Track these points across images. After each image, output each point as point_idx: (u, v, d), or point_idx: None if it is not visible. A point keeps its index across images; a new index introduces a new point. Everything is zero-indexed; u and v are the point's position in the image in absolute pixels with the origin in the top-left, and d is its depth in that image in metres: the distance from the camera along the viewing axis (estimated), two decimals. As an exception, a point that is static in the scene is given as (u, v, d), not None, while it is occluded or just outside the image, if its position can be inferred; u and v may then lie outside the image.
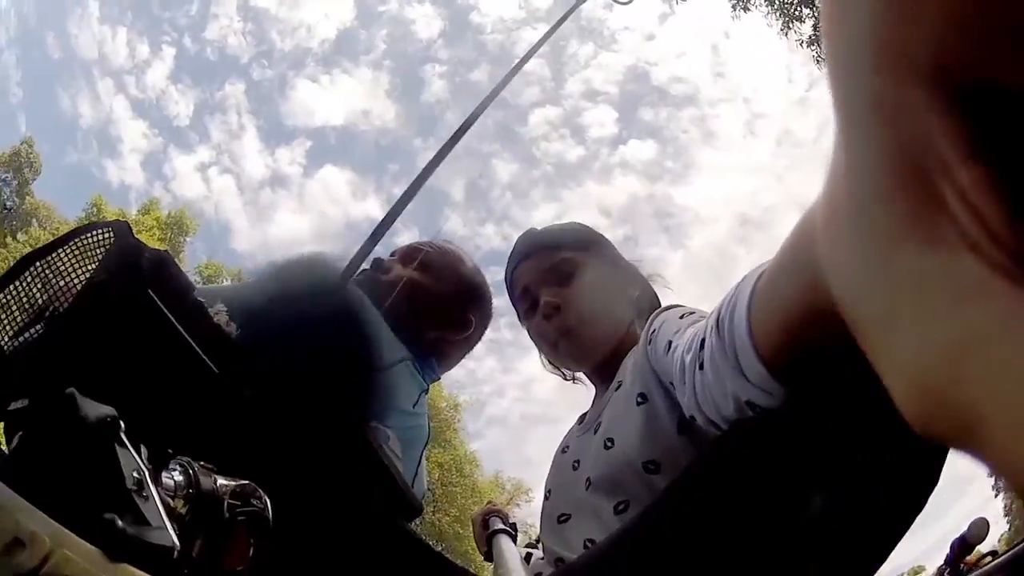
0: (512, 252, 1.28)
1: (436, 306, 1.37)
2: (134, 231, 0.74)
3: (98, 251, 0.70)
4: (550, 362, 1.34)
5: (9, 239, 20.25)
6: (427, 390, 1.36)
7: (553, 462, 1.23)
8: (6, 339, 0.66)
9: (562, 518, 1.07)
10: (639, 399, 1.00)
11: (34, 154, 22.21)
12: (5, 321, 0.66)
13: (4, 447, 0.50)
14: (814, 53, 10.08)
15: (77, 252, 0.68)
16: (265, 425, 0.75)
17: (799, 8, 9.96)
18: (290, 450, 0.75)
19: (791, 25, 10.18)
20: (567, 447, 1.21)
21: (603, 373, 1.20)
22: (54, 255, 0.67)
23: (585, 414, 1.26)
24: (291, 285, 1.07)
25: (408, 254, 1.41)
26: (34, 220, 21.46)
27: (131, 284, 0.65)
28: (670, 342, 0.89)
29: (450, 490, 21.55)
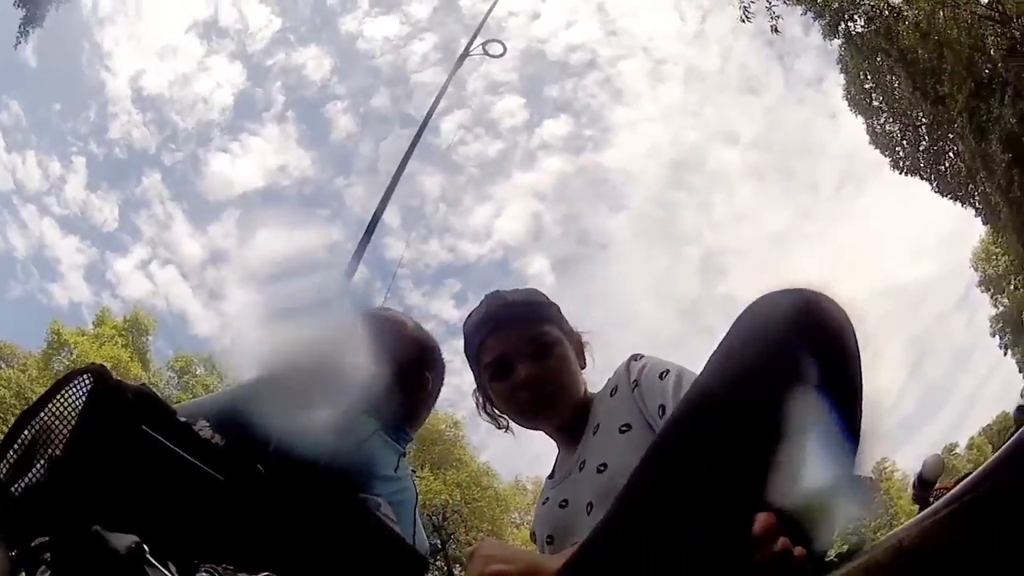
0: (482, 317, 1.34)
1: (392, 376, 1.38)
2: (108, 369, 0.80)
3: (82, 397, 0.75)
4: (488, 414, 1.43)
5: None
6: (404, 453, 1.42)
7: (538, 518, 1.33)
8: (14, 486, 0.72)
9: (574, 546, 1.16)
10: (623, 428, 1.17)
11: (-20, 298, 21.69)
12: (11, 473, 0.72)
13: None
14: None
15: (66, 402, 0.74)
16: (273, 518, 0.81)
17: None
18: (298, 536, 0.82)
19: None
20: (547, 499, 1.32)
21: (567, 429, 1.31)
22: (46, 410, 0.73)
23: (553, 472, 1.37)
24: (262, 387, 1.13)
25: (351, 333, 1.46)
26: (1, 362, 20.93)
27: (123, 423, 0.71)
28: (662, 406, 1.12)
29: (475, 505, 21.31)
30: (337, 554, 0.87)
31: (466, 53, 4.82)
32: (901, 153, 13.33)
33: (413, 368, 1.48)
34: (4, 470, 0.72)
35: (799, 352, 0.70)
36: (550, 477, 1.38)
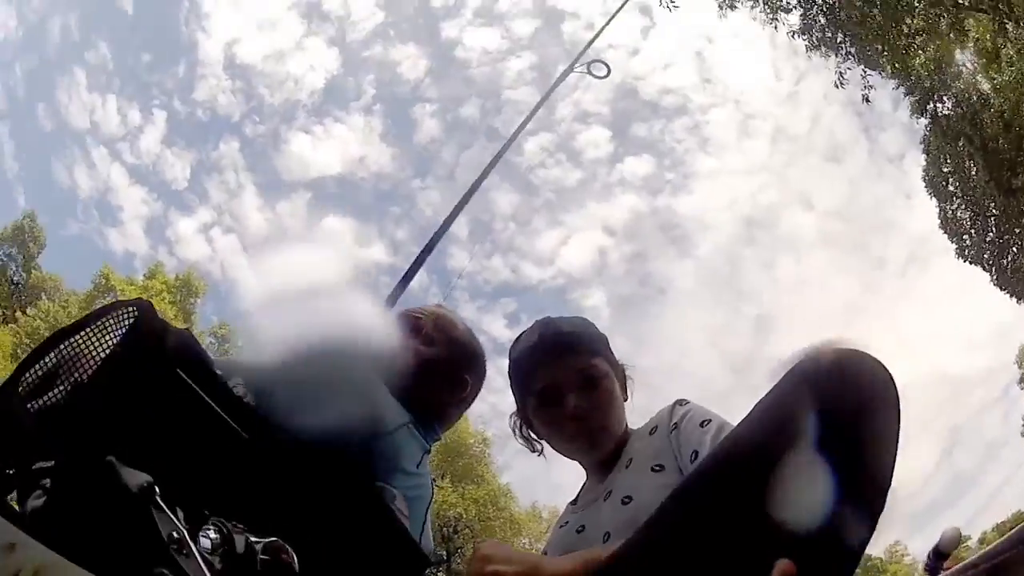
0: (534, 343, 1.34)
1: (433, 371, 1.43)
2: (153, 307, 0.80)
3: (123, 328, 0.75)
4: (524, 437, 1.45)
5: (19, 314, 20.36)
6: (429, 451, 1.41)
7: (553, 540, 1.37)
8: (33, 404, 0.71)
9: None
10: (656, 467, 1.19)
11: (37, 228, 22.42)
12: (34, 390, 0.72)
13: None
14: (804, 41, 10.21)
15: (104, 330, 0.74)
16: (289, 486, 0.80)
17: (786, -1, 10.09)
18: (310, 509, 0.80)
19: (777, 17, 10.34)
20: (566, 523, 1.35)
21: (604, 461, 1.33)
22: (83, 332, 0.73)
23: (576, 499, 1.40)
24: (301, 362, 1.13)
25: (403, 323, 1.48)
26: (42, 294, 21.59)
27: (160, 364, 0.71)
28: (695, 451, 1.14)
29: (488, 524, 21.12)
30: (343, 535, 0.86)
31: (570, 69, 4.83)
32: (968, 241, 13.05)
33: (455, 368, 1.49)
34: (29, 386, 0.71)
35: (827, 410, 0.71)
36: (573, 503, 1.39)
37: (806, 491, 0.66)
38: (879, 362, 0.77)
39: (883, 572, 23.33)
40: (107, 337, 0.74)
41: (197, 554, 0.45)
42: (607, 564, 0.80)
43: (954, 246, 13.34)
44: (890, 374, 0.76)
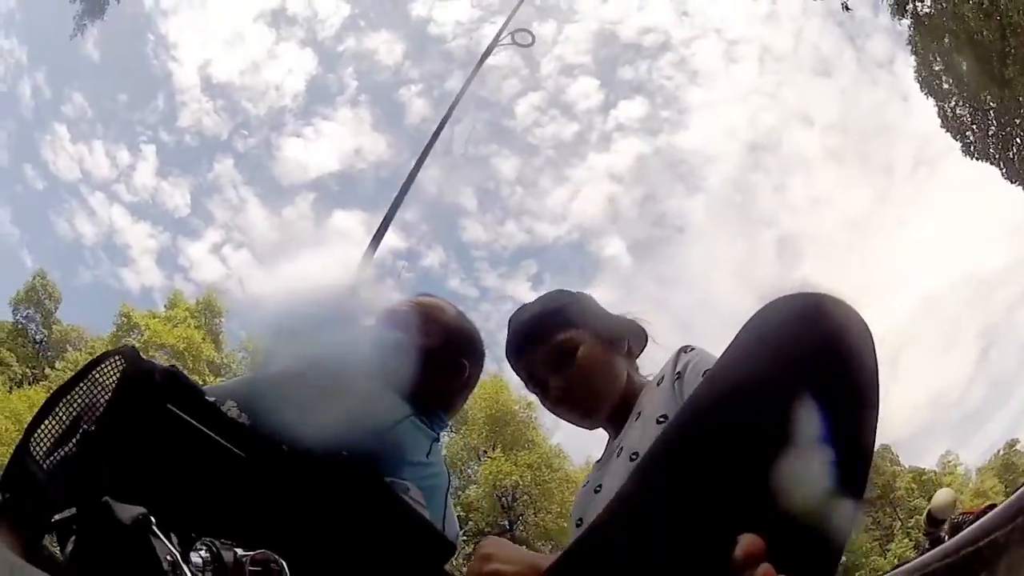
0: (507, 341, 1.40)
1: (429, 361, 1.42)
2: (158, 339, 0.85)
3: (114, 377, 0.80)
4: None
5: (48, 369, 20.75)
6: (438, 438, 1.43)
7: (578, 502, 1.39)
8: (46, 461, 0.77)
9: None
10: (660, 419, 1.18)
11: (49, 284, 22.72)
12: (44, 447, 0.78)
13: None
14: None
15: (96, 382, 0.79)
16: (292, 496, 0.85)
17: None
18: (318, 516, 0.85)
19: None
20: (587, 481, 1.37)
21: (614, 419, 1.34)
22: (76, 389, 0.78)
23: (601, 458, 1.41)
24: (292, 369, 1.18)
25: (390, 317, 1.49)
26: (67, 346, 21.94)
27: (151, 403, 0.75)
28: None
29: (546, 487, 21.22)
30: (355, 533, 0.90)
31: (495, 43, 4.84)
32: (971, 137, 12.77)
33: (451, 354, 1.49)
34: (39, 445, 0.77)
35: (800, 359, 0.68)
36: (598, 461, 1.42)
37: (784, 457, 0.62)
38: (850, 307, 0.74)
39: (939, 484, 23.28)
40: (101, 388, 0.80)
41: (188, 572, 0.49)
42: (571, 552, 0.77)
43: (959, 144, 13.11)
44: (862, 318, 0.73)
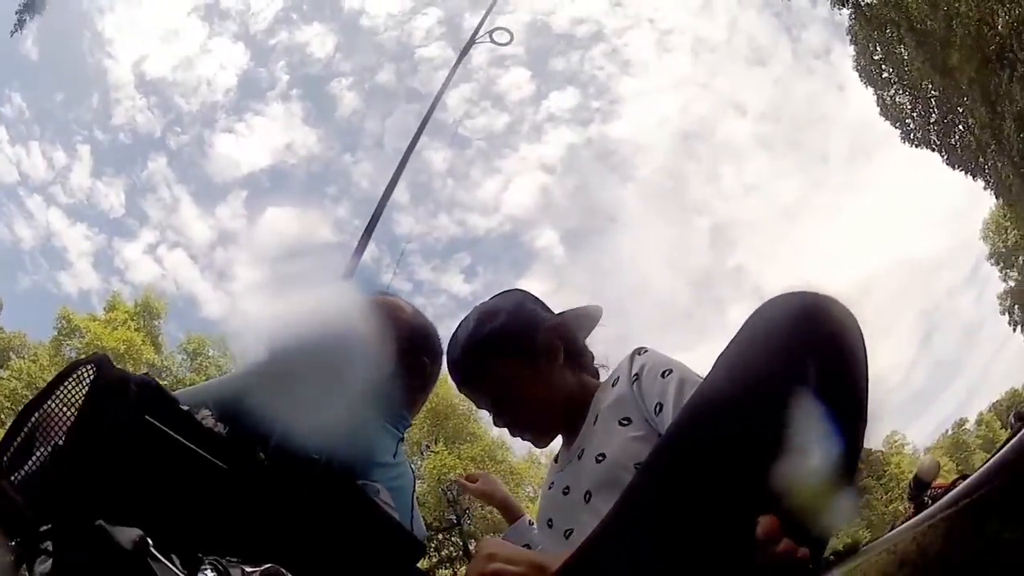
0: (448, 368, 1.42)
1: (389, 362, 1.41)
2: (111, 357, 0.81)
3: (85, 387, 0.76)
4: None
5: (-8, 378, 19.93)
6: (403, 438, 1.45)
7: (541, 501, 1.41)
8: (14, 474, 0.73)
9: (568, 532, 1.23)
10: (623, 422, 1.20)
11: (-11, 291, 21.85)
12: (15, 464, 0.74)
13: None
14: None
15: (68, 393, 0.75)
16: (275, 505, 0.82)
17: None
18: (298, 523, 0.83)
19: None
20: (552, 483, 1.36)
21: (568, 424, 1.35)
22: (50, 400, 0.74)
23: (557, 457, 1.42)
24: (262, 375, 1.15)
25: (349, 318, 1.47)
26: (11, 353, 21.13)
27: (127, 414, 0.72)
28: (659, 404, 1.14)
29: None
30: (336, 541, 0.89)
31: (472, 41, 4.81)
32: (912, 125, 13.18)
33: (410, 353, 1.49)
34: (11, 462, 0.73)
35: (801, 358, 0.70)
36: (555, 461, 1.42)
37: (790, 448, 0.64)
38: (844, 306, 0.75)
39: (886, 464, 24.17)
40: (73, 399, 0.76)
41: (196, 596, 0.47)
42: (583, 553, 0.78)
43: (898, 131, 13.51)
44: (855, 317, 0.75)
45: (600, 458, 1.19)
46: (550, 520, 1.31)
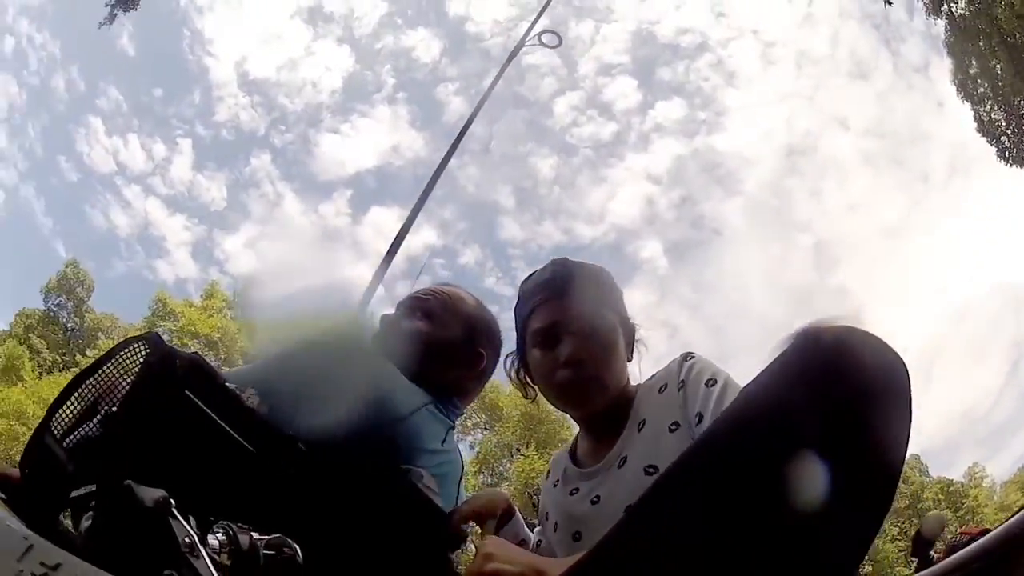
0: (544, 280, 1.31)
1: (447, 350, 1.45)
2: (177, 334, 0.87)
3: (138, 360, 0.82)
4: (519, 379, 1.41)
5: (79, 356, 21.17)
6: (454, 426, 1.44)
7: (561, 506, 1.29)
8: (66, 440, 0.80)
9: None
10: (672, 427, 1.15)
11: (82, 272, 23.15)
12: (64, 426, 0.80)
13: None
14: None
15: (120, 364, 0.81)
16: (309, 487, 0.86)
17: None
18: (330, 505, 0.87)
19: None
20: (575, 489, 1.27)
21: (596, 419, 1.29)
22: (99, 372, 0.80)
23: (575, 457, 1.35)
24: (314, 355, 1.20)
25: (412, 306, 1.52)
26: (100, 333, 22.34)
27: (170, 389, 0.77)
28: (699, 414, 1.11)
29: None
30: (368, 522, 0.92)
31: (522, 43, 4.87)
32: (1007, 142, 12.54)
33: (468, 344, 1.51)
34: (60, 424, 0.80)
35: (823, 392, 0.66)
36: (574, 461, 1.35)
37: (802, 491, 0.62)
38: (883, 342, 0.70)
39: (965, 496, 22.97)
40: (124, 370, 0.82)
41: (205, 554, 0.51)
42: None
43: (994, 149, 12.88)
44: (896, 355, 0.70)
45: (651, 470, 1.14)
46: (578, 532, 1.23)
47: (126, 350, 0.83)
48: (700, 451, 0.73)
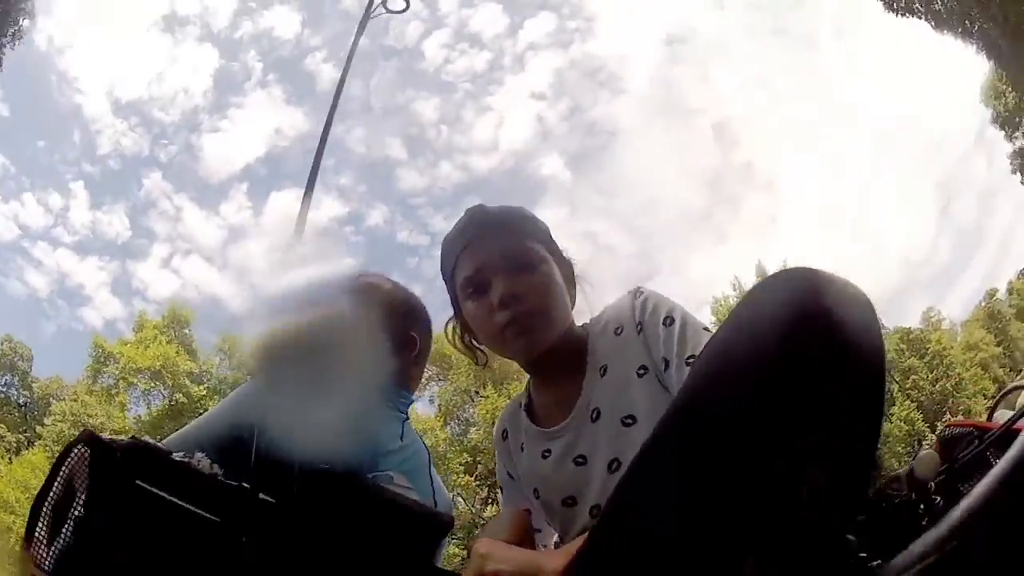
0: (463, 227, 1.23)
1: (379, 344, 1.34)
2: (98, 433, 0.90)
3: (83, 468, 0.86)
4: (464, 344, 1.33)
5: (39, 428, 20.53)
6: (407, 417, 1.41)
7: (535, 473, 1.22)
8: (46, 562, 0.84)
9: (594, 510, 1.11)
10: (640, 371, 1.11)
11: (17, 345, 22.38)
12: (44, 554, 0.85)
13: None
14: None
15: (69, 476, 0.86)
16: (284, 536, 0.89)
17: None
18: (320, 540, 0.90)
19: None
20: (547, 451, 1.19)
21: (548, 364, 1.21)
22: (53, 490, 0.85)
23: (532, 413, 1.27)
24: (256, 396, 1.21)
25: (326, 305, 1.34)
26: (51, 399, 21.65)
27: (120, 487, 0.82)
28: (665, 359, 1.08)
29: None
30: (356, 545, 0.94)
31: (367, 16, 4.83)
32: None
33: (399, 330, 1.46)
34: (38, 553, 0.83)
35: (795, 339, 0.63)
36: (532, 419, 1.26)
37: (778, 453, 0.60)
38: (850, 283, 0.68)
39: (927, 342, 23.87)
40: (75, 479, 0.86)
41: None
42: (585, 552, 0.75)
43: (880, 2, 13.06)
44: (865, 297, 0.68)
45: (629, 421, 1.08)
46: (571, 498, 1.15)
47: (68, 459, 0.86)
48: (681, 415, 0.70)
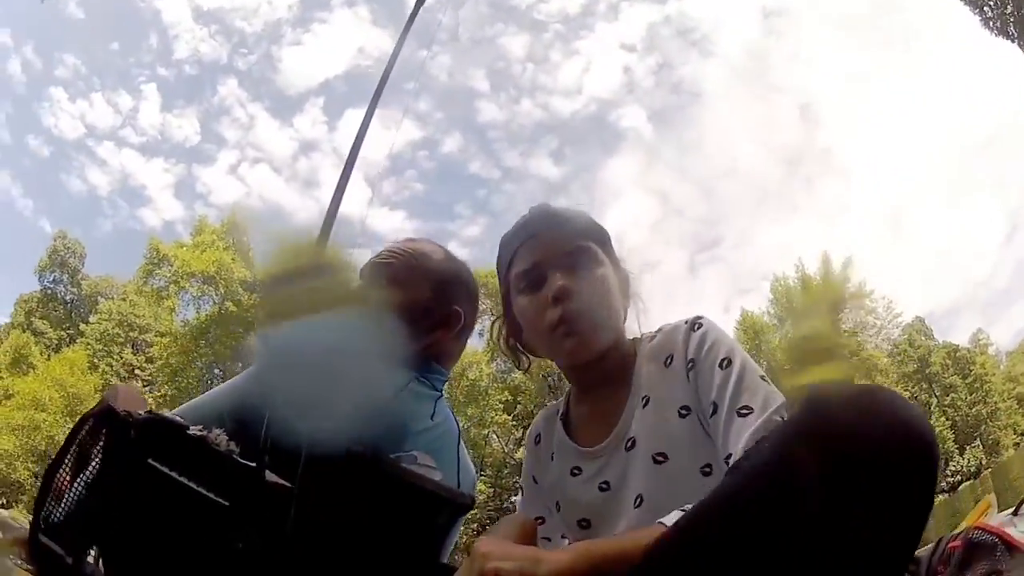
0: (524, 223, 1.23)
1: (420, 315, 1.34)
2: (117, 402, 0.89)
3: (99, 439, 0.86)
4: (509, 347, 1.31)
5: (83, 325, 21.26)
6: (441, 394, 1.36)
7: (561, 488, 1.21)
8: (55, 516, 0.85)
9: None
10: (682, 411, 1.08)
11: (71, 242, 23.03)
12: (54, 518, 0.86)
13: None
14: None
15: (83, 448, 0.86)
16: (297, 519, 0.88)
17: None
18: (334, 527, 0.89)
19: None
20: (577, 469, 1.18)
21: (590, 373, 1.20)
22: (66, 461, 0.85)
23: (569, 424, 1.25)
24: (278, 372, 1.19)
25: (374, 274, 1.38)
26: (99, 297, 22.29)
27: (132, 463, 0.81)
28: (715, 404, 1.03)
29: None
30: (373, 531, 0.93)
31: None
32: (989, 13, 12.28)
33: (442, 304, 1.39)
34: (49, 518, 0.85)
35: (850, 475, 0.60)
36: (568, 432, 1.24)
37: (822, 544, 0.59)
38: (903, 401, 0.65)
39: (972, 363, 23.35)
40: (89, 452, 0.86)
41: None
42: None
43: (977, 19, 12.62)
44: (917, 413, 0.64)
45: (660, 459, 1.07)
46: (586, 520, 1.15)
47: (83, 431, 0.86)
48: (706, 513, 0.69)
